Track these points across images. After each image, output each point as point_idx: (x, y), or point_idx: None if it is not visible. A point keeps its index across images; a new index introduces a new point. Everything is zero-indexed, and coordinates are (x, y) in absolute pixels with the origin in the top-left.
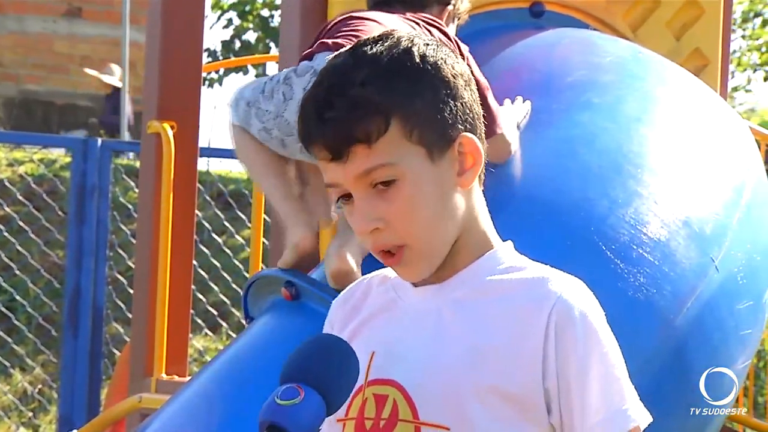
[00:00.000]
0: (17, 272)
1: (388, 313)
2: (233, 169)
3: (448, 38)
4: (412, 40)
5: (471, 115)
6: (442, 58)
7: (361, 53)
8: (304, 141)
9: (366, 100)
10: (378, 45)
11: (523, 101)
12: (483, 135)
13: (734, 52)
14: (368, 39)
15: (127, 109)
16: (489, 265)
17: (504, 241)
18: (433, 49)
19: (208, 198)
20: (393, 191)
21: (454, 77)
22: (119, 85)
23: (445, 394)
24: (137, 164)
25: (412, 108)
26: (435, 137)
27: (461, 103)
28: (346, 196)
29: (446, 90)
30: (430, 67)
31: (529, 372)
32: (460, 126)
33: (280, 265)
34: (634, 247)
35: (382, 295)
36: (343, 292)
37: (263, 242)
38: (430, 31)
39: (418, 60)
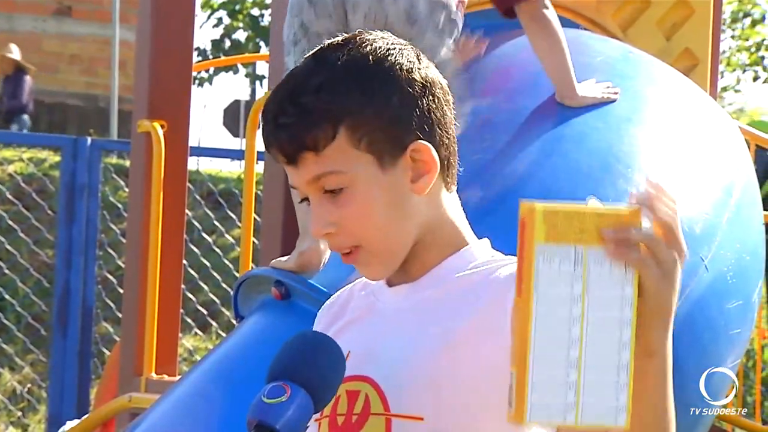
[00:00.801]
0: (6, 271)
1: (367, 316)
2: (223, 168)
3: None
4: (372, 45)
5: (428, 122)
6: (398, 65)
7: (322, 58)
8: (264, 143)
9: (315, 108)
10: (338, 51)
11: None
12: (442, 141)
13: (724, 52)
14: (332, 43)
15: (26, 94)
16: (459, 263)
17: (480, 239)
18: (393, 55)
19: (198, 197)
20: (343, 197)
21: (409, 84)
22: (19, 57)
23: (418, 385)
24: (127, 163)
25: (361, 116)
26: (386, 145)
27: (416, 110)
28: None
29: (399, 96)
30: (382, 74)
31: (503, 357)
32: (413, 133)
33: (281, 266)
34: None
35: (362, 300)
36: (329, 298)
37: (253, 241)
38: None
39: (372, 67)
